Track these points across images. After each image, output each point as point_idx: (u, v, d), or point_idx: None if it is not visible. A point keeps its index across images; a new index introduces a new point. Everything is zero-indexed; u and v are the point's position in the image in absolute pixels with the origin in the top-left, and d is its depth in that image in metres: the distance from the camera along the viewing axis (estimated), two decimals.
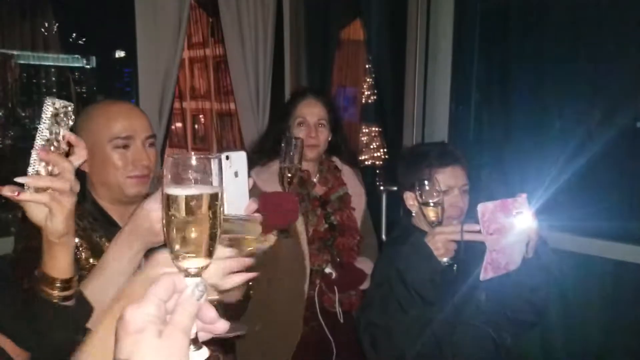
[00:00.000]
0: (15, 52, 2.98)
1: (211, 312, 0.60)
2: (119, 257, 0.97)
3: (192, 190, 0.59)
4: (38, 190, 0.85)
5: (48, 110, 0.87)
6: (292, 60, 2.97)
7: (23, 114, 3.06)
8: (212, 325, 0.61)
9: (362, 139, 3.96)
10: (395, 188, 2.36)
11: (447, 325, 1.40)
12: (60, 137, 0.89)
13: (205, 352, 0.61)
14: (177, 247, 0.59)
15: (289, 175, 1.45)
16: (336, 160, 1.89)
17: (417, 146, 1.74)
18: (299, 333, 1.71)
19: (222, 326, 0.62)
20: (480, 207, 1.28)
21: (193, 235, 0.59)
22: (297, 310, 1.71)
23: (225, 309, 1.19)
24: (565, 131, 2.01)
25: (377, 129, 3.73)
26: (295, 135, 1.74)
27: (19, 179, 0.84)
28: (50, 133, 0.88)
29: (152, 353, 0.52)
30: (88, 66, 3.39)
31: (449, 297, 1.37)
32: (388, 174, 2.97)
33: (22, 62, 3.07)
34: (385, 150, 3.38)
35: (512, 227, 1.30)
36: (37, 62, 3.12)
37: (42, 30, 2.89)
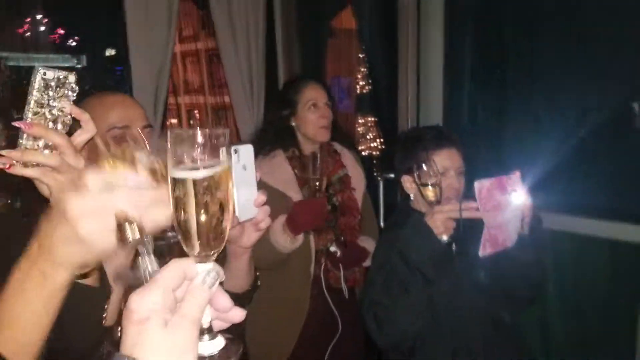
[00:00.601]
0: (4, 54, 3.00)
1: (224, 301, 0.58)
2: (27, 296, 0.65)
3: (202, 173, 0.56)
4: (27, 165, 0.81)
5: (35, 80, 0.81)
6: (285, 51, 3.00)
7: (16, 116, 3.08)
8: (226, 313, 0.59)
9: (359, 129, 4.00)
10: (392, 175, 2.41)
11: (447, 303, 1.46)
12: (57, 110, 0.83)
13: (220, 341, 0.58)
14: (186, 232, 0.57)
15: (317, 184, 1.66)
16: (334, 144, 1.94)
17: (412, 130, 1.80)
18: (306, 311, 1.79)
19: (238, 314, 0.59)
20: (476, 185, 1.33)
21: (203, 219, 0.57)
22: (304, 290, 1.79)
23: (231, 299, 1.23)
24: (558, 112, 2.06)
25: (373, 119, 3.77)
26: (305, 119, 1.81)
27: (3, 152, 0.81)
28: (40, 105, 0.82)
29: (156, 345, 0.50)
30: (79, 65, 3.41)
31: (449, 275, 1.42)
32: (385, 162, 3.02)
33: (11, 64, 3.09)
34: (381, 140, 3.43)
35: (507, 204, 1.35)
36: (27, 64, 3.15)
37: (32, 31, 2.91)
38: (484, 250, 1.37)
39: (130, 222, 0.61)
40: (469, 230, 1.39)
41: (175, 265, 0.55)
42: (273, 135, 1.84)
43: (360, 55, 3.64)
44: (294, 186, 1.77)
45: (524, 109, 2.20)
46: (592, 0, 2.12)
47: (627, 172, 1.99)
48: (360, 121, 4.00)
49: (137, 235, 0.62)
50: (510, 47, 2.33)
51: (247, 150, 0.96)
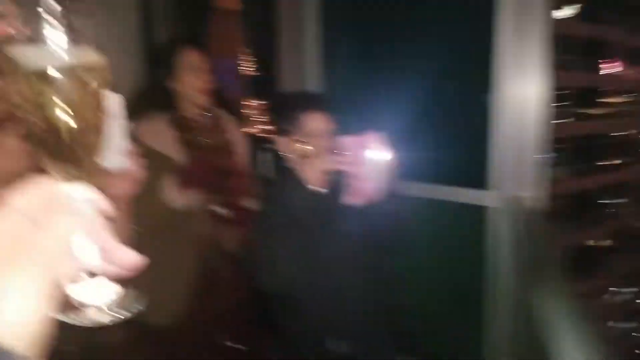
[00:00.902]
0: None
1: (106, 237, 0.47)
2: None
3: (69, 57, 0.43)
4: None
5: None
6: (165, 28, 2.99)
7: None
8: (116, 255, 0.48)
9: (249, 112, 4.08)
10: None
11: (325, 252, 1.63)
12: None
13: (113, 288, 0.49)
14: (48, 141, 0.44)
15: (201, 147, 1.79)
16: (216, 109, 2.03)
17: (287, 94, 1.97)
18: (196, 272, 1.88)
19: (130, 257, 0.48)
20: (342, 141, 1.53)
21: (71, 123, 0.44)
22: (193, 252, 1.87)
23: None
24: (419, 92, 2.37)
25: (262, 102, 3.88)
26: (185, 82, 1.86)
27: None
28: None
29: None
30: None
31: (325, 225, 1.60)
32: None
33: None
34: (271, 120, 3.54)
35: (371, 160, 1.56)
36: None
37: None
38: (351, 199, 1.57)
39: None
40: (340, 183, 1.59)
41: (36, 185, 0.42)
42: (153, 98, 1.86)
43: (246, 38, 3.73)
44: (177, 148, 1.83)
45: (390, 92, 2.48)
46: None
47: (473, 145, 2.36)
48: (249, 103, 4.09)
49: None
50: (382, 28, 2.60)
51: (115, 99, 1.00)
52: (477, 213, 2.35)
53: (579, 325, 1.05)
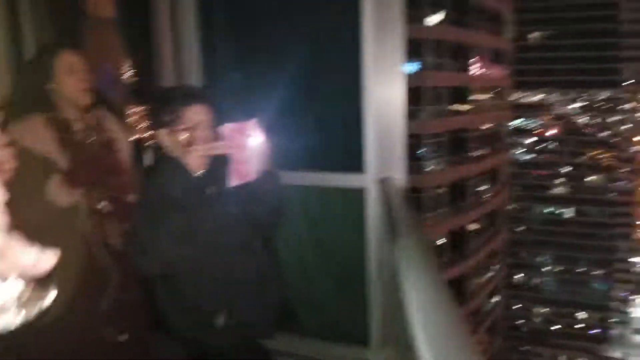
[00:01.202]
0: None
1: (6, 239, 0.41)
2: None
3: None
4: None
5: None
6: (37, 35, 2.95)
7: None
8: (13, 256, 0.43)
9: (132, 119, 4.07)
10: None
11: (204, 232, 1.78)
12: None
13: (15, 286, 0.47)
14: None
15: (83, 145, 1.84)
16: (98, 109, 2.10)
17: (165, 89, 2.11)
18: (84, 269, 1.92)
19: (27, 256, 0.44)
20: (222, 128, 1.72)
21: None
22: (78, 249, 1.92)
23: None
24: (293, 77, 2.63)
25: (144, 107, 3.91)
26: (64, 83, 1.91)
27: None
28: None
29: None
30: None
31: (204, 205, 1.77)
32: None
33: None
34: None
35: (248, 144, 1.77)
36: None
37: None
38: (232, 181, 1.77)
39: None
40: (219, 166, 1.77)
41: None
42: (30, 100, 1.90)
43: (123, 44, 3.75)
44: (57, 149, 1.89)
45: (269, 86, 2.71)
46: None
47: (353, 135, 2.68)
48: (132, 110, 4.08)
49: None
50: (257, 23, 2.81)
51: None
52: (357, 195, 2.66)
53: (440, 304, 1.13)
